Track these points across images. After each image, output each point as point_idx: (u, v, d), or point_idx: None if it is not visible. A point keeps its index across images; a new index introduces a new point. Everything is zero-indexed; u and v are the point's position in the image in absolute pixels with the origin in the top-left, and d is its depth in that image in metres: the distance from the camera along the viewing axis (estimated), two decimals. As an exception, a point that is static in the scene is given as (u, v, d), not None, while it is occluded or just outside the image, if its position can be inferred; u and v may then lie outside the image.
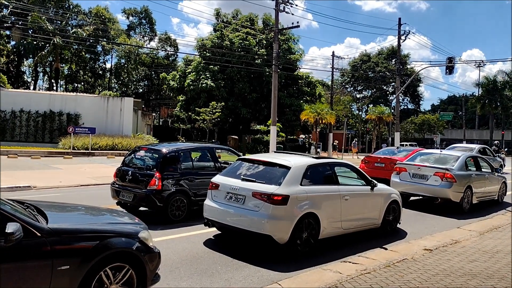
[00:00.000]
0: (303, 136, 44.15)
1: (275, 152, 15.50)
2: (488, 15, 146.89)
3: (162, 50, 61.00)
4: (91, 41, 50.07)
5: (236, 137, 37.30)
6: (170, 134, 45.76)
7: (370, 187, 8.59)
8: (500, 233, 9.45)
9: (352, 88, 74.19)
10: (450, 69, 31.38)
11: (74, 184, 14.22)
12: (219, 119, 36.20)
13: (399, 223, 9.34)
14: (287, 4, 26.34)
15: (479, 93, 60.65)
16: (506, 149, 42.70)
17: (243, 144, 36.74)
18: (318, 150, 38.86)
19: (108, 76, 60.66)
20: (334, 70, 45.29)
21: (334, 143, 40.22)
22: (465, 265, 6.82)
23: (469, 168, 12.72)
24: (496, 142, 28.37)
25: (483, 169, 13.26)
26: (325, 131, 46.10)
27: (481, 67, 59.40)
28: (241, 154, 11.45)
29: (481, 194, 12.83)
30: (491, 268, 6.73)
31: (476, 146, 21.73)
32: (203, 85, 38.70)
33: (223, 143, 32.70)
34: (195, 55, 43.53)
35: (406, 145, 42.05)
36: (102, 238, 4.39)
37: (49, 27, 41.84)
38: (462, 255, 7.48)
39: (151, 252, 4.81)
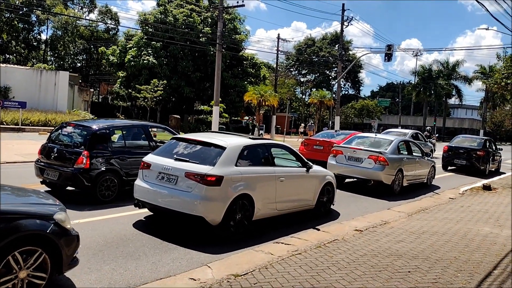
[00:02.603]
0: (247, 118, 44.13)
1: (213, 132, 15.25)
2: (427, 6, 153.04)
3: (102, 23, 58.16)
4: (24, 9, 46.70)
5: (178, 116, 36.53)
6: (109, 112, 43.90)
7: (305, 169, 8.62)
8: (427, 215, 9.88)
9: (296, 72, 74.96)
10: (388, 56, 32.42)
11: (-2, 162, 13.24)
12: (161, 97, 35.16)
13: (333, 204, 9.49)
14: (233, -18, 25.80)
15: (415, 81, 63.36)
16: (437, 135, 45.07)
17: (185, 124, 36.09)
18: (261, 132, 38.97)
19: (43, 48, 57.05)
20: (280, 53, 45.40)
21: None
22: (392, 246, 7.03)
23: (401, 152, 13.17)
24: (428, 128, 29.82)
25: (414, 153, 13.79)
26: (268, 113, 46.28)
27: (418, 56, 62.13)
28: (178, 133, 11.11)
29: (412, 177, 13.36)
30: (416, 248, 6.97)
31: (409, 131, 22.64)
32: (145, 61, 37.37)
33: (165, 123, 31.91)
34: (137, 29, 41.84)
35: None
36: (10, 220, 4.05)
37: (-25, -8, 38.57)
38: (390, 235, 7.72)
39: (68, 235, 4.50)
